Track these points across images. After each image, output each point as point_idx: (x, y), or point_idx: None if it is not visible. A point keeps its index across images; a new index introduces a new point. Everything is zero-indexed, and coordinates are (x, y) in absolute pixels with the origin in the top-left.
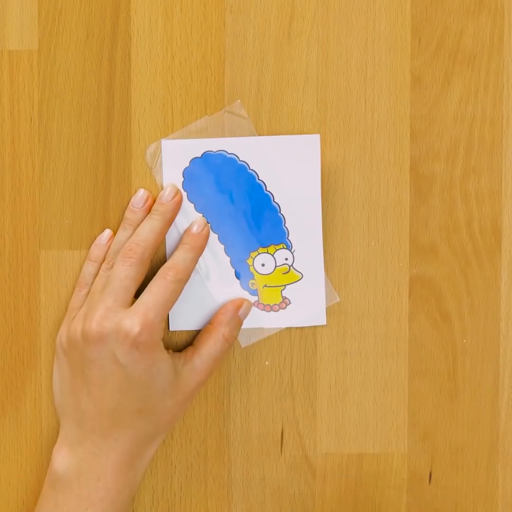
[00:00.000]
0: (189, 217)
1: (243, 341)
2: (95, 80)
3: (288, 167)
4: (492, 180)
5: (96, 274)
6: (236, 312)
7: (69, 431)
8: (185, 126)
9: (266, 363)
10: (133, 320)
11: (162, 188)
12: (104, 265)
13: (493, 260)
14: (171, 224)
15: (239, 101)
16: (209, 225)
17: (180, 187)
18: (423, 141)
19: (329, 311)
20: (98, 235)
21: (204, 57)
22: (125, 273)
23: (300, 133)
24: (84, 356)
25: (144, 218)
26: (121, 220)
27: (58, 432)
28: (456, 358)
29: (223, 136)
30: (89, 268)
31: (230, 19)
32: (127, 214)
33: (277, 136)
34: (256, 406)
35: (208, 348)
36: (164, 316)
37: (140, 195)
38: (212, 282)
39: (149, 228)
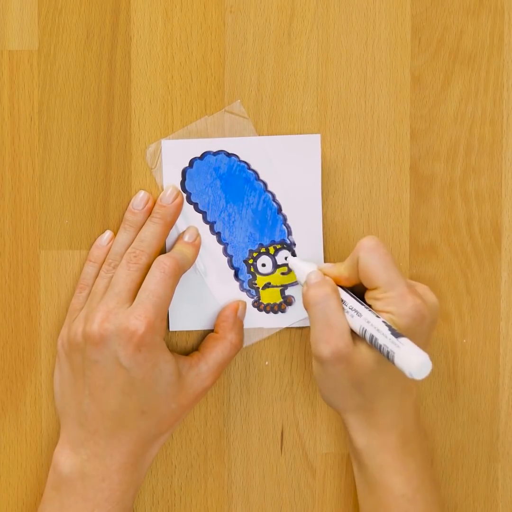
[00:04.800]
0: (189, 217)
1: (243, 341)
2: (95, 80)
3: (289, 167)
4: (492, 180)
5: (97, 275)
6: (235, 316)
7: (71, 433)
8: (185, 126)
9: (266, 363)
10: (135, 322)
11: (162, 188)
12: (104, 266)
13: (493, 260)
14: (172, 226)
15: (239, 101)
16: (208, 226)
17: (180, 187)
18: (423, 141)
19: None
20: (98, 235)
21: (204, 57)
22: (131, 277)
23: (300, 133)
24: (86, 358)
25: (145, 219)
26: (121, 220)
27: (58, 433)
28: (456, 358)
29: (223, 136)
30: (89, 269)
31: (230, 19)
32: (127, 215)
33: (277, 136)
34: (256, 406)
35: (216, 355)
36: (164, 315)
37: (140, 197)
38: (212, 283)
39: (151, 234)
